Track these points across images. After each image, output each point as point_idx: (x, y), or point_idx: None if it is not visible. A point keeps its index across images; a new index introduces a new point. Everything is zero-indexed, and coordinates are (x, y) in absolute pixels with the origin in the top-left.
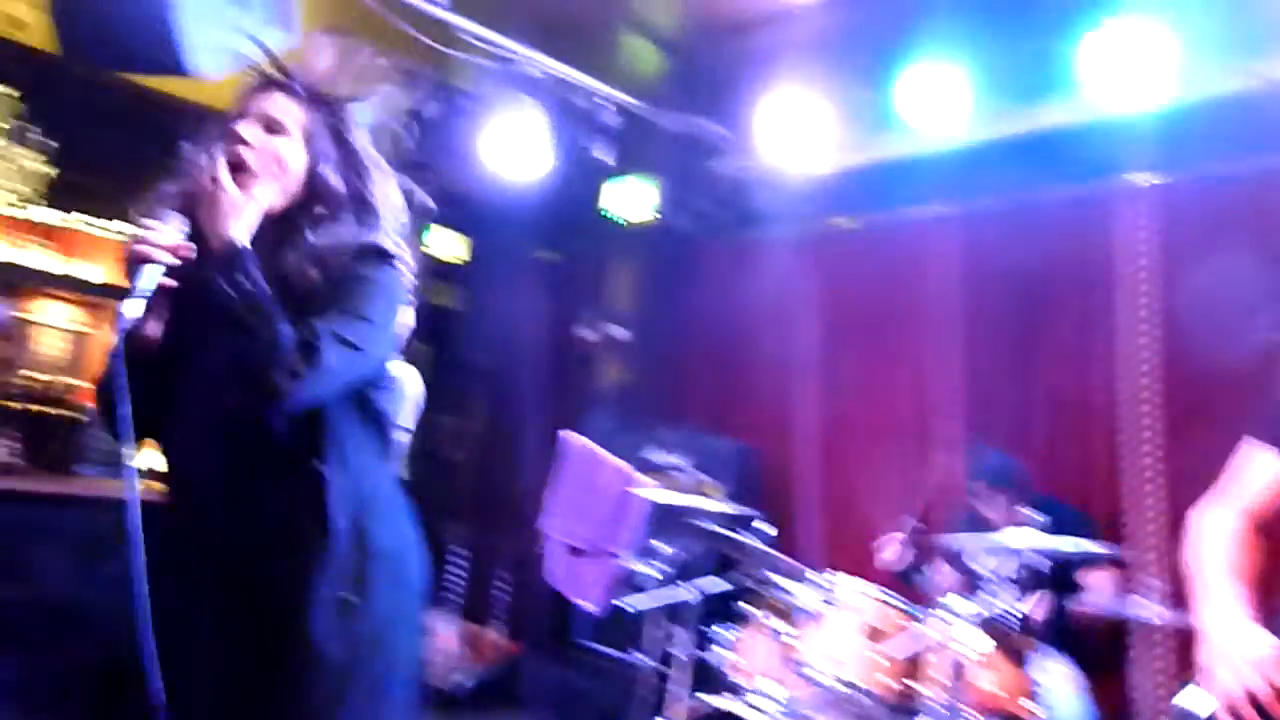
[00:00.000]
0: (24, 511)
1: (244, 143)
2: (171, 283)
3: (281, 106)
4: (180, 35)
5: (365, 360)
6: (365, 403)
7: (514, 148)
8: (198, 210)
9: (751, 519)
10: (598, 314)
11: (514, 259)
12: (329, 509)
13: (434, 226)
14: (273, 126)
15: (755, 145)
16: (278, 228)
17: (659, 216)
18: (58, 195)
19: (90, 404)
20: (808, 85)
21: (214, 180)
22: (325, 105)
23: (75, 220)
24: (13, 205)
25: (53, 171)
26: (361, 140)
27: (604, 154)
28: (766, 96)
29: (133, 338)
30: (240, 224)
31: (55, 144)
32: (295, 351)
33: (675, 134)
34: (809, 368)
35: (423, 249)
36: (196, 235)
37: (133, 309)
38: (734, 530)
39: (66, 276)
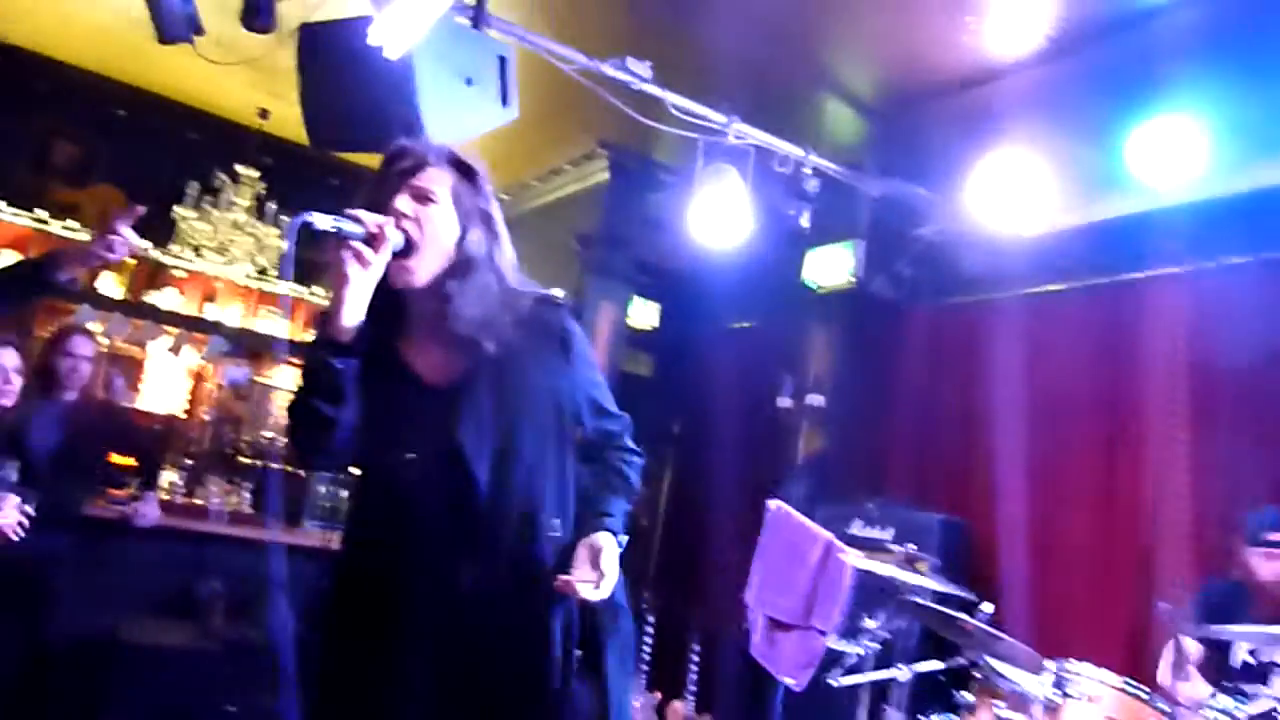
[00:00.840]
0: (258, 559)
1: (405, 216)
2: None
3: (431, 176)
4: (424, 116)
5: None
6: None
7: (715, 216)
8: None
9: (971, 597)
10: (795, 382)
11: (710, 326)
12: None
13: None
14: (426, 197)
15: (963, 207)
16: (437, 296)
17: (859, 282)
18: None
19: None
20: (1022, 143)
21: None
22: (465, 171)
23: (307, 292)
24: (256, 278)
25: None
26: (494, 201)
27: (804, 220)
28: (976, 156)
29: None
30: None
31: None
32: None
33: (876, 199)
34: (1021, 439)
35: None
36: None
37: (320, 221)
38: (949, 607)
39: (299, 343)
